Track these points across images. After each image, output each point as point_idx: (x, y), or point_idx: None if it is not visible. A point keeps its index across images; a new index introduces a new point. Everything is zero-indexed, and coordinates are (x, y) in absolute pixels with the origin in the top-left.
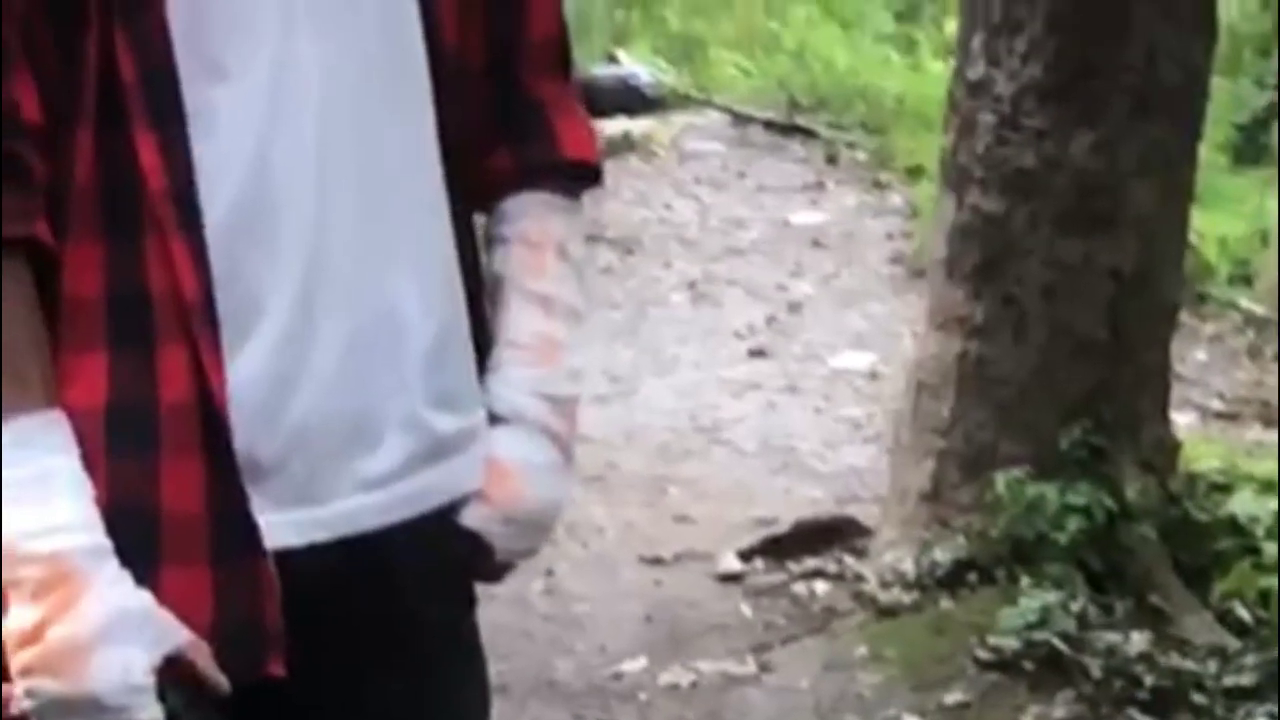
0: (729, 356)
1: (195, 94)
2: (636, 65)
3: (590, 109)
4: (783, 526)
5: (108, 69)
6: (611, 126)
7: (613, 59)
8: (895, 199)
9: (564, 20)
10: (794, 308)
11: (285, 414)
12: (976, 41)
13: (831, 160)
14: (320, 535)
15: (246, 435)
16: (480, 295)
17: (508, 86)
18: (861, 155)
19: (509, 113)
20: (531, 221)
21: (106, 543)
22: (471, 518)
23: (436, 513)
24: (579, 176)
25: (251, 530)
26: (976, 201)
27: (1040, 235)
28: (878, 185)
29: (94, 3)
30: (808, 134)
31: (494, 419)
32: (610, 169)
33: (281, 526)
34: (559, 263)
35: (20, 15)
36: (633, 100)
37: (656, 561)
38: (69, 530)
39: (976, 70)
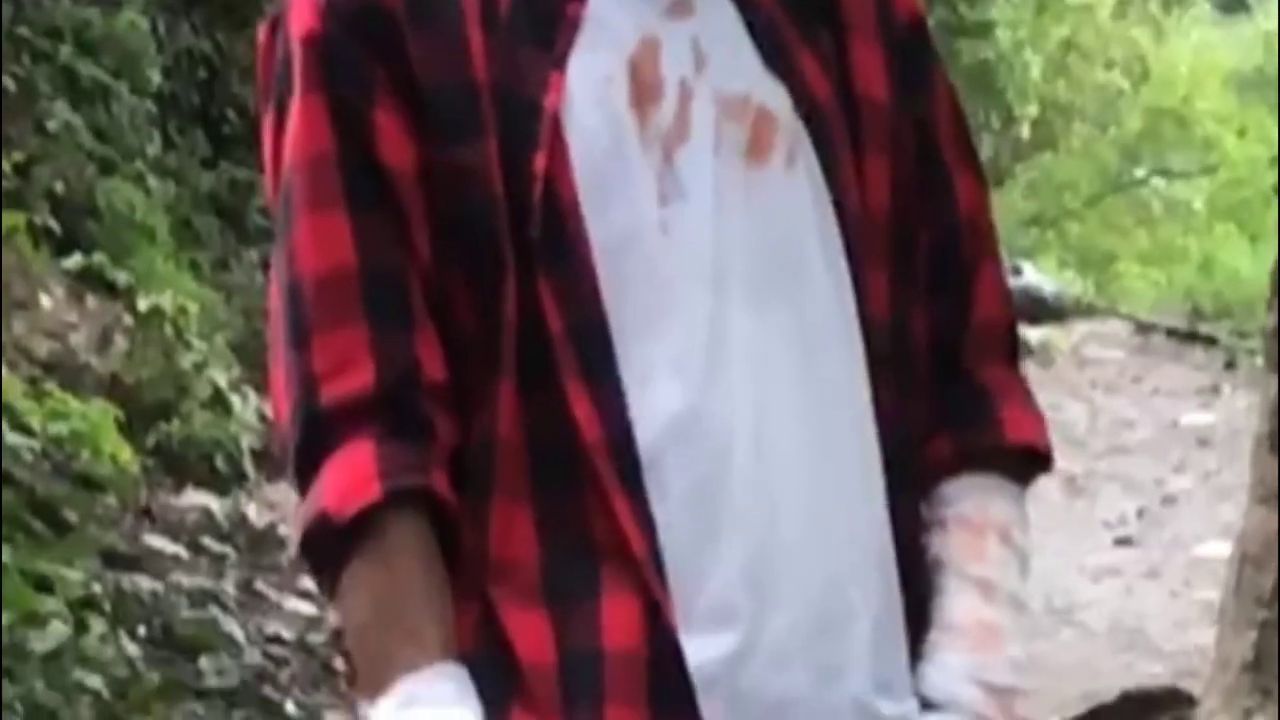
0: (1094, 545)
1: (624, 349)
2: (1041, 276)
3: None
4: (1110, 697)
5: (531, 321)
6: None
7: (1017, 271)
8: None
9: (1011, 308)
10: (1168, 500)
11: (736, 687)
12: None
13: (1230, 365)
14: None
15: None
16: (914, 579)
17: (951, 373)
18: (1261, 360)
19: (952, 399)
20: (972, 505)
21: None
22: None
23: None
24: (1025, 462)
25: None
26: None
27: None
28: None
29: (511, 252)
30: (1209, 341)
31: (926, 704)
32: None
33: None
34: (1001, 547)
35: (427, 270)
36: (1035, 309)
37: None
38: None
39: None
